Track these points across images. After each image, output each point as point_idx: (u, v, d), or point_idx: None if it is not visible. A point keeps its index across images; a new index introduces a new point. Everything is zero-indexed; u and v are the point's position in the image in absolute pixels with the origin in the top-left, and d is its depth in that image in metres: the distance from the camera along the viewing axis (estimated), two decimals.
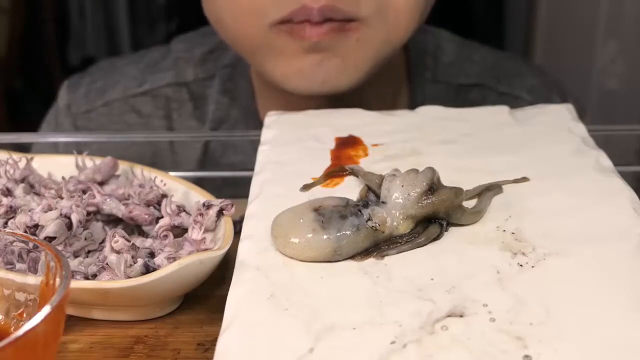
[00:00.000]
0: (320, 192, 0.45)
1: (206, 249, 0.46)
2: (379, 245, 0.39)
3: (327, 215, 0.39)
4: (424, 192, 0.40)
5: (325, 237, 0.38)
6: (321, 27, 0.60)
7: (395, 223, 0.40)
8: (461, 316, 0.34)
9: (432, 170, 0.41)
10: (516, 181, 0.44)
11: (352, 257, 0.39)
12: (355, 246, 0.39)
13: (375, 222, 0.39)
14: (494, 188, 0.43)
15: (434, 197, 0.40)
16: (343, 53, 0.62)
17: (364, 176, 0.44)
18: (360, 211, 0.40)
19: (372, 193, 0.42)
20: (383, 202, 0.41)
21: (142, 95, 0.78)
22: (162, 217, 0.49)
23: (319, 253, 0.38)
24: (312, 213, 0.40)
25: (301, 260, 0.38)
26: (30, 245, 0.39)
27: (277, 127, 0.54)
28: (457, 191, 0.41)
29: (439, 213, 0.40)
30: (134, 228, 0.51)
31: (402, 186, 0.40)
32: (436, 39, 0.80)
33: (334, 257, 0.38)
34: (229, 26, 0.65)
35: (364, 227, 0.39)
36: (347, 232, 0.39)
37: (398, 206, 0.40)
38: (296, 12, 0.60)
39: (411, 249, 0.39)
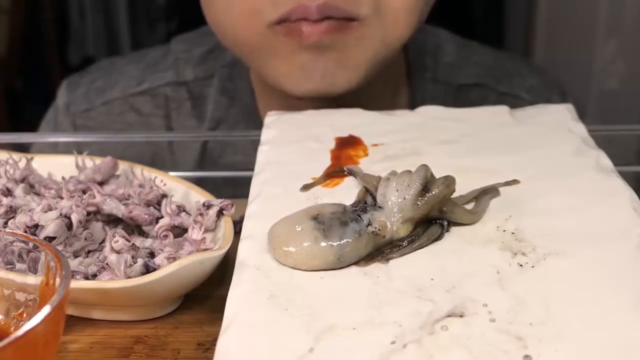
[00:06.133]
0: (320, 192, 0.45)
1: (206, 249, 0.46)
2: (381, 249, 0.39)
3: (327, 222, 0.39)
4: (418, 193, 0.40)
5: (327, 245, 0.38)
6: (320, 26, 0.60)
7: (394, 227, 0.40)
8: (461, 316, 0.34)
9: (425, 168, 0.40)
10: (507, 184, 0.44)
11: (355, 263, 0.38)
12: (358, 252, 0.38)
13: (376, 227, 0.39)
14: (490, 191, 0.43)
15: (428, 195, 0.40)
16: (342, 50, 0.61)
17: (362, 178, 0.44)
18: (359, 216, 0.40)
19: (370, 195, 0.42)
20: (380, 207, 0.40)
21: (141, 95, 0.78)
22: (162, 217, 0.49)
23: (322, 262, 0.38)
24: (311, 221, 0.39)
25: (303, 270, 0.38)
26: (30, 245, 0.39)
27: (277, 127, 0.54)
28: (449, 181, 0.40)
29: (435, 210, 0.40)
30: (134, 228, 0.51)
31: (397, 190, 0.40)
32: (436, 39, 0.80)
33: (337, 265, 0.38)
34: (227, 28, 0.64)
35: (365, 233, 0.39)
36: (349, 239, 0.38)
37: (396, 210, 0.40)
38: (293, 10, 0.59)
39: (414, 251, 0.39)
